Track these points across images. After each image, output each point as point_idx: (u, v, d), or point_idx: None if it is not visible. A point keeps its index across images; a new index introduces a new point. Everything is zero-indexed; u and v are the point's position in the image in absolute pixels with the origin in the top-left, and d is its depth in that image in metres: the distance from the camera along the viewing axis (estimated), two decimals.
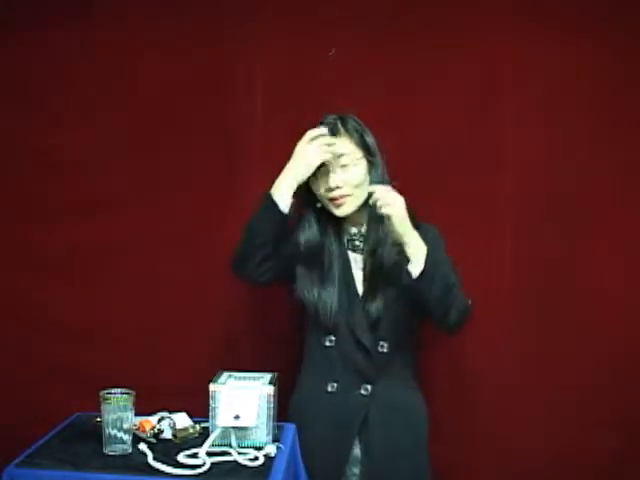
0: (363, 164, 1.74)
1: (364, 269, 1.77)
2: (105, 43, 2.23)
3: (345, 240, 1.81)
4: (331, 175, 1.71)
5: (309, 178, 1.75)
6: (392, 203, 1.61)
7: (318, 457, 1.76)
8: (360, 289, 1.78)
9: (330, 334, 1.78)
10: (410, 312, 1.78)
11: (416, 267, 1.64)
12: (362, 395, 1.76)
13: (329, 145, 1.70)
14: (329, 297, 1.75)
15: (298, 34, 2.17)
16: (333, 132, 1.73)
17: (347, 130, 1.74)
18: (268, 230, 1.72)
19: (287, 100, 2.14)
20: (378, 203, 1.62)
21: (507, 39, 2.11)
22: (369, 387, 1.76)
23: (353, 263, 1.80)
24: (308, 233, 1.78)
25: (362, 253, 1.79)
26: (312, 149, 1.70)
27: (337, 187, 1.71)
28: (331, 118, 1.76)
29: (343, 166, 1.72)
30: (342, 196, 1.72)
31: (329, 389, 1.79)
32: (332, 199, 1.73)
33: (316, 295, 1.76)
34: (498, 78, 2.13)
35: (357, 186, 1.73)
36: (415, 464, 1.79)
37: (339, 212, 1.75)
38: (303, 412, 1.82)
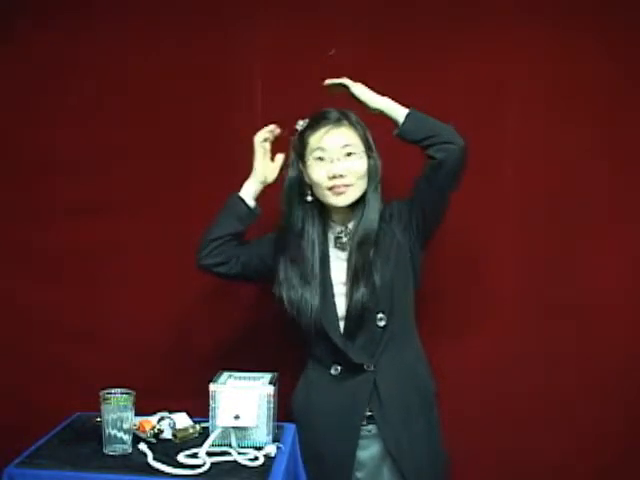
0: (365, 158, 1.74)
1: (349, 259, 1.76)
2: (104, 43, 2.23)
3: (331, 238, 1.81)
4: (335, 163, 1.71)
5: (303, 167, 1.76)
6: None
7: (328, 439, 1.77)
8: (336, 287, 1.78)
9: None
10: (405, 280, 1.79)
11: (401, 109, 1.72)
12: (367, 372, 1.76)
13: (271, 132, 1.84)
14: (311, 297, 1.75)
15: (298, 34, 2.17)
16: (337, 122, 1.74)
17: (351, 122, 1.75)
18: (229, 223, 1.82)
19: (287, 100, 2.13)
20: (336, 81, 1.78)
21: (509, 39, 2.11)
22: (372, 363, 1.76)
23: (333, 261, 1.80)
24: (293, 233, 1.78)
25: (348, 248, 1.79)
26: (255, 146, 1.84)
27: (340, 175, 1.71)
28: (333, 111, 1.76)
29: (348, 154, 1.72)
30: (345, 185, 1.72)
31: (333, 372, 1.79)
32: (333, 187, 1.72)
33: (299, 295, 1.76)
34: (499, 78, 2.13)
35: (359, 177, 1.73)
36: (427, 420, 1.80)
37: (338, 201, 1.73)
38: (309, 397, 1.82)
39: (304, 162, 1.76)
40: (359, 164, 1.73)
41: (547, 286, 2.15)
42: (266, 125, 1.86)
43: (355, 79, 2.10)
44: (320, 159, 1.73)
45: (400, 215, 1.79)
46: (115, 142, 2.24)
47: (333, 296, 1.77)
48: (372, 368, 1.76)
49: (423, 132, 1.69)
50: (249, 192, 1.85)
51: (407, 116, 1.70)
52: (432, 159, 1.69)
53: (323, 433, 1.78)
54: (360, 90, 1.76)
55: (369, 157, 1.75)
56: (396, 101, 1.75)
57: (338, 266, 1.79)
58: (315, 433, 1.79)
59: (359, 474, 1.78)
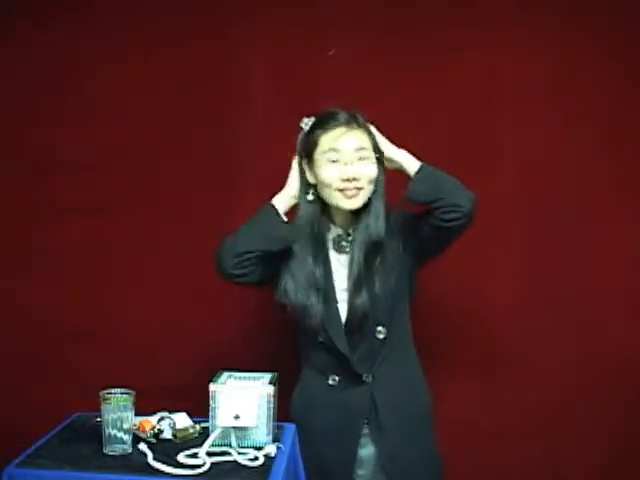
0: (376, 163, 1.74)
1: (351, 264, 1.75)
2: (104, 43, 2.23)
3: (330, 241, 1.81)
4: (349, 165, 1.69)
5: (308, 166, 1.74)
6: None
7: (326, 452, 1.76)
8: (338, 294, 1.77)
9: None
10: (403, 292, 1.78)
11: (413, 166, 1.70)
12: (365, 383, 1.76)
13: None
14: (314, 300, 1.74)
15: (298, 34, 2.17)
16: (349, 124, 1.72)
17: (361, 126, 1.73)
18: (267, 241, 1.72)
19: (287, 100, 2.14)
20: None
21: (509, 38, 2.11)
22: (371, 375, 1.76)
23: (334, 265, 1.79)
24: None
25: (348, 252, 1.78)
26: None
27: (354, 179, 1.70)
28: (341, 112, 1.73)
29: (361, 159, 1.70)
30: (357, 188, 1.71)
31: (331, 382, 1.79)
32: (344, 190, 1.70)
33: (304, 298, 1.74)
34: (498, 78, 2.13)
35: (370, 182, 1.72)
36: (424, 431, 1.80)
37: (349, 204, 1.72)
38: (306, 408, 1.81)
39: (311, 161, 1.75)
40: (371, 169, 1.72)
41: (547, 286, 2.15)
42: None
43: (355, 79, 2.12)
44: (333, 161, 1.71)
45: (403, 230, 1.77)
46: (115, 142, 2.24)
47: (336, 302, 1.77)
48: (370, 379, 1.76)
49: (432, 194, 1.66)
50: (284, 208, 1.75)
51: (417, 173, 1.69)
52: (437, 219, 1.68)
53: (323, 436, 1.78)
54: (381, 139, 1.76)
55: (377, 159, 1.75)
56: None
57: (340, 271, 1.78)
58: (314, 433, 1.78)
59: (360, 471, 1.78)
